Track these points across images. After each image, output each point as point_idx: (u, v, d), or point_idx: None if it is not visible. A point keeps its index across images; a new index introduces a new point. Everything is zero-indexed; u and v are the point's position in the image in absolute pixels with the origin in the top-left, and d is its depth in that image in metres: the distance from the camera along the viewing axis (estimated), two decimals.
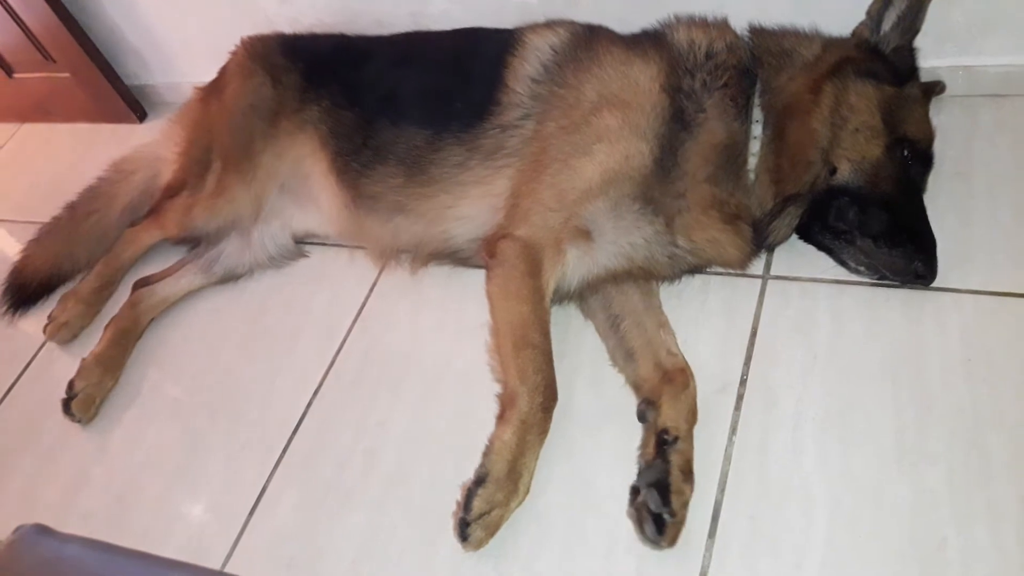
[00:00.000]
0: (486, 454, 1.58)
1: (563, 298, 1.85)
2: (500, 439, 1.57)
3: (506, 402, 1.63)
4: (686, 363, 1.69)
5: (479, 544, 1.54)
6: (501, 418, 1.62)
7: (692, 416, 1.61)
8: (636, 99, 1.75)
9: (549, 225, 1.74)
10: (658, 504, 1.48)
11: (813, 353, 1.70)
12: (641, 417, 1.66)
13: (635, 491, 1.54)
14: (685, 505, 1.50)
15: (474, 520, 1.52)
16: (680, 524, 1.49)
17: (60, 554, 1.15)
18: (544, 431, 1.62)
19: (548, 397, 1.62)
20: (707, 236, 1.75)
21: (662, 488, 1.50)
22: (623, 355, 1.77)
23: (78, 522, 1.88)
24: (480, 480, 1.54)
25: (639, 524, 1.51)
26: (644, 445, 1.61)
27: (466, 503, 1.53)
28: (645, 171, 1.72)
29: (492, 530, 1.55)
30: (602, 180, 1.72)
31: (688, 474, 1.53)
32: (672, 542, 1.48)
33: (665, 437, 1.56)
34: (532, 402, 1.60)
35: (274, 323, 2.18)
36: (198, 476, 1.91)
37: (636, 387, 1.72)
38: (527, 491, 1.58)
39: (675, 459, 1.53)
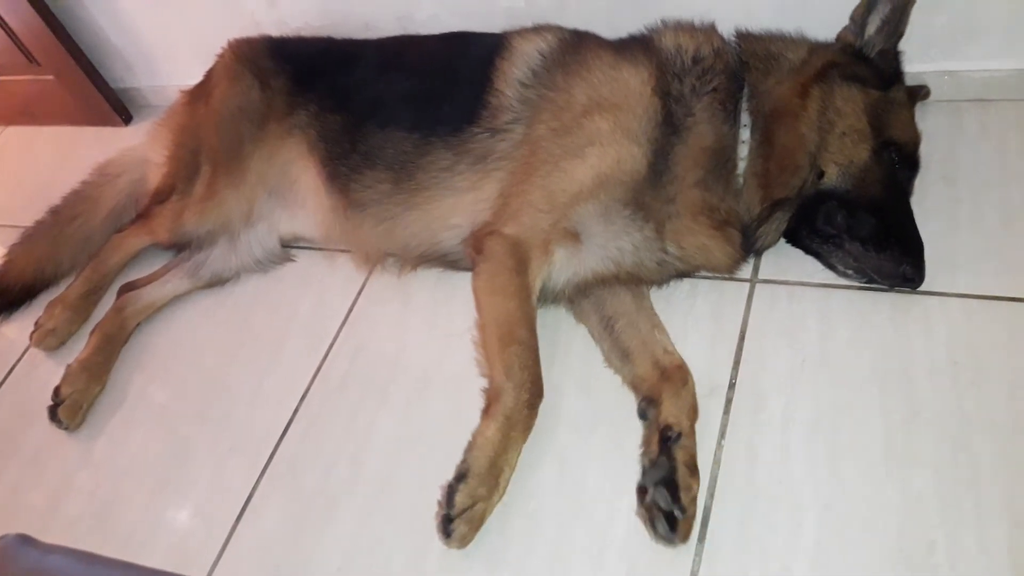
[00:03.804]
0: (468, 450, 1.57)
1: (550, 299, 1.84)
2: (483, 435, 1.57)
3: (491, 397, 1.63)
4: (683, 360, 1.69)
5: (463, 540, 1.53)
6: (486, 413, 1.61)
7: (693, 412, 1.61)
8: (628, 102, 1.75)
9: (538, 226, 1.74)
10: (668, 502, 1.47)
11: (801, 357, 1.71)
12: (642, 415, 1.66)
13: (643, 490, 1.53)
14: (694, 500, 1.50)
15: (457, 515, 1.51)
16: (691, 520, 1.48)
17: (42, 564, 1.14)
18: (528, 428, 1.61)
19: (534, 394, 1.62)
20: (696, 242, 1.75)
21: (671, 485, 1.49)
22: (619, 356, 1.77)
23: (62, 529, 1.86)
24: (461, 476, 1.54)
25: (651, 523, 1.49)
26: (646, 443, 1.60)
27: (448, 499, 1.53)
28: (637, 176, 1.72)
29: (475, 525, 1.54)
30: (593, 183, 1.72)
31: (693, 469, 1.53)
32: (685, 538, 1.47)
33: (668, 434, 1.56)
34: (518, 398, 1.59)
35: (261, 327, 2.16)
36: (184, 482, 1.89)
37: (635, 387, 1.71)
38: (507, 487, 1.57)
39: (680, 455, 1.53)
